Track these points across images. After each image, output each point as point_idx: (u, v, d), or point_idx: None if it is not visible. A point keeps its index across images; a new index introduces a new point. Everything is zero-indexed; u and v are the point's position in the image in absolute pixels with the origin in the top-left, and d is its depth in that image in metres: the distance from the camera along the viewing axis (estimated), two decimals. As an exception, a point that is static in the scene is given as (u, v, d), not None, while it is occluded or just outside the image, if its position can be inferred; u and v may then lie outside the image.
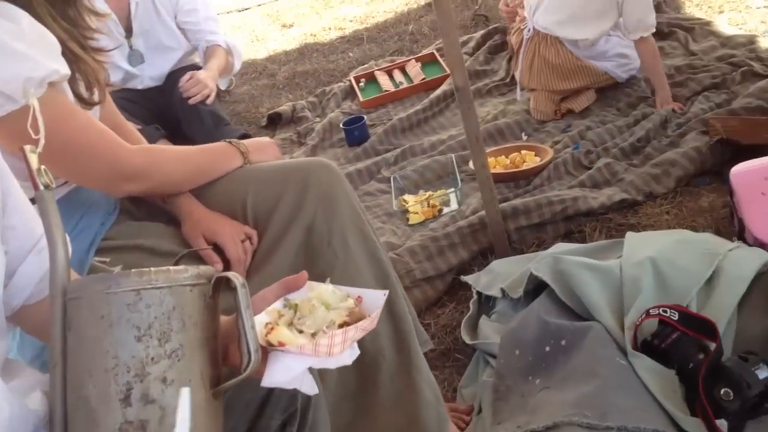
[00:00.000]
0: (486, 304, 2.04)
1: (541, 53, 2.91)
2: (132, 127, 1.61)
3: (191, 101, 3.05)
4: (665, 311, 1.63)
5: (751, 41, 2.96)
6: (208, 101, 3.09)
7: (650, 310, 1.64)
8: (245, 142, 1.60)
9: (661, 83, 2.75)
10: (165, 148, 1.54)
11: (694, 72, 2.89)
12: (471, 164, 2.73)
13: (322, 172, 1.49)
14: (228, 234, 1.49)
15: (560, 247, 2.07)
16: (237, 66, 3.47)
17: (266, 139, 1.69)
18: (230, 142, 1.57)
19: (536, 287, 1.89)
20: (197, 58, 3.38)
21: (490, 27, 3.82)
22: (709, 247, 1.88)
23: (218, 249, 1.49)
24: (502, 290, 1.96)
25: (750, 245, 1.94)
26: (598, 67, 2.85)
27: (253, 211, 1.50)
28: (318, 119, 3.51)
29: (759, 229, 1.93)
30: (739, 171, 2.06)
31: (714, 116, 2.45)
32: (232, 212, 1.52)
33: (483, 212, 2.30)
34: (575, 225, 2.33)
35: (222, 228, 1.49)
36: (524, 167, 2.63)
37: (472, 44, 3.71)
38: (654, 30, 2.71)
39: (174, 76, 3.23)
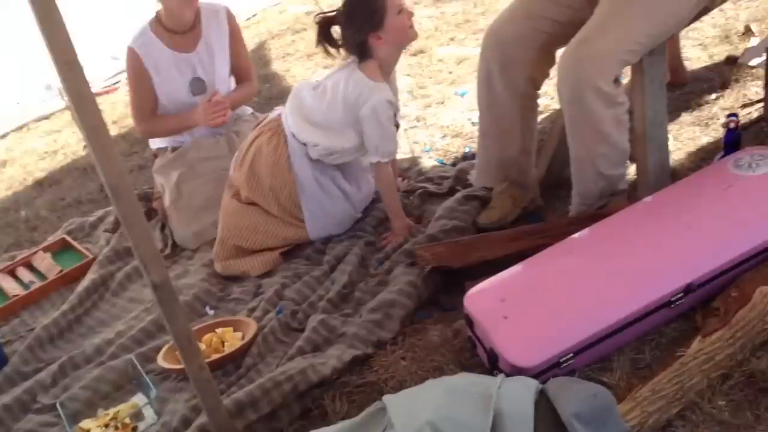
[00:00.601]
0: None
1: (261, 140, 2.71)
2: None
3: None
4: (479, 485, 1.44)
5: (414, 163, 3.09)
6: None
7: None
8: None
9: (397, 212, 2.67)
10: None
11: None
12: (159, 361, 2.36)
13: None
14: None
15: (315, 439, 1.79)
16: None
17: None
18: None
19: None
20: None
21: (128, 195, 3.48)
22: (478, 389, 1.76)
23: None
24: None
25: (508, 374, 1.88)
26: (300, 198, 2.69)
27: None
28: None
29: (514, 355, 1.89)
30: (474, 299, 2.03)
31: (418, 246, 2.43)
32: None
33: (201, 420, 1.96)
34: (311, 401, 2.11)
35: None
36: (229, 349, 2.32)
37: (110, 219, 3.33)
38: (393, 158, 2.68)
39: None
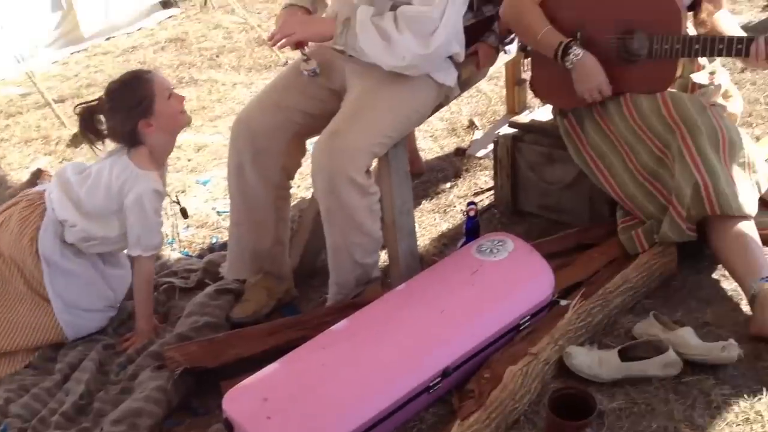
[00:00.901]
0: None
1: (14, 209, 2.48)
2: None
3: None
4: None
5: (157, 256, 2.89)
6: None
7: None
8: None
9: (148, 312, 2.49)
10: None
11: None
12: None
13: None
14: None
15: None
16: None
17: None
18: None
19: None
20: None
21: None
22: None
23: None
24: None
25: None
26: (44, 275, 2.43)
27: None
28: None
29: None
30: (234, 400, 1.92)
31: (168, 347, 2.27)
32: None
33: None
34: None
35: None
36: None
37: None
38: (156, 252, 2.51)
39: None
